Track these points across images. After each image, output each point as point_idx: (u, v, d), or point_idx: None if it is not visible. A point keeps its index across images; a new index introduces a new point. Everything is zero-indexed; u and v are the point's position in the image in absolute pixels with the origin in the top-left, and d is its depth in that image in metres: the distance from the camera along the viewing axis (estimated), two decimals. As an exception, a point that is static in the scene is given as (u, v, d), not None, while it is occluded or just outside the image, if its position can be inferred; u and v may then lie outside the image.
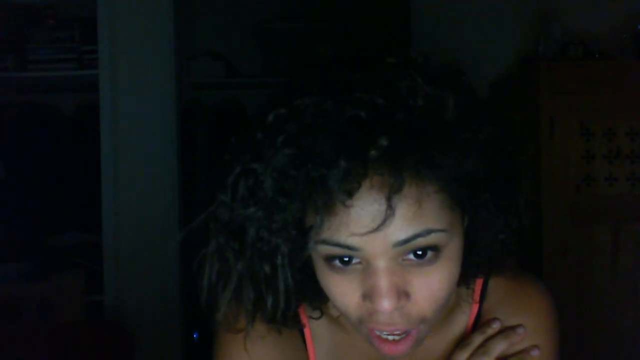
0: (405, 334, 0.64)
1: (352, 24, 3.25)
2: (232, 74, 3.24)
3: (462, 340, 0.76)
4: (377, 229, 0.57)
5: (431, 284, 0.62)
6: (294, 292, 0.64)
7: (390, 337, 0.64)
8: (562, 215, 2.09)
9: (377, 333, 0.64)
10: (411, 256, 0.61)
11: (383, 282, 0.60)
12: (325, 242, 0.60)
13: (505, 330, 0.74)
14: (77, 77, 2.78)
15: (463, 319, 0.77)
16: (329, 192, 0.56)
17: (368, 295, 0.61)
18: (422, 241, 0.59)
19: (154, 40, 2.65)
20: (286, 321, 0.69)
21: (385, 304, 0.60)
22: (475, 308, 0.77)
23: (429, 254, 0.61)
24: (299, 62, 3.13)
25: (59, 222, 3.06)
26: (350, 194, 0.57)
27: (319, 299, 0.72)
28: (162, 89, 2.65)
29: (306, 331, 0.77)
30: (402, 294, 0.61)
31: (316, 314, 0.75)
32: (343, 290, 0.63)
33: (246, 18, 3.36)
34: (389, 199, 0.56)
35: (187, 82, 3.12)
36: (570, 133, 2.10)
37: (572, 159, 2.10)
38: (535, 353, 0.73)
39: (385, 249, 0.59)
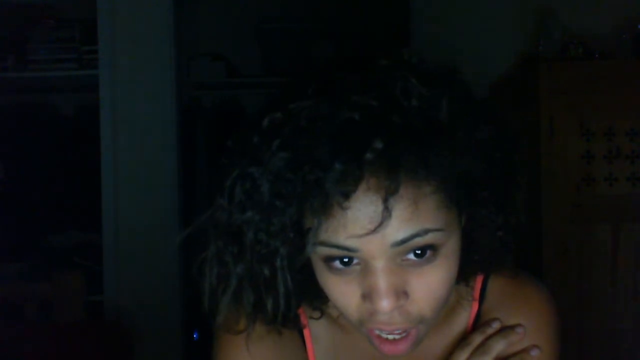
0: (405, 333, 0.64)
1: (352, 24, 3.25)
2: (232, 74, 3.24)
3: (462, 340, 0.76)
4: (374, 230, 0.57)
5: (430, 283, 0.62)
6: (294, 294, 0.64)
7: (390, 337, 0.64)
8: (562, 215, 2.09)
9: (377, 333, 0.64)
10: (409, 256, 0.61)
11: (382, 282, 0.60)
12: (323, 243, 0.60)
13: (504, 330, 0.74)
14: (77, 77, 2.78)
15: (463, 318, 0.78)
16: (325, 195, 0.56)
17: (367, 296, 0.62)
18: (419, 241, 0.59)
19: (154, 40, 2.65)
20: (286, 322, 0.69)
21: (385, 304, 0.60)
22: (475, 306, 0.78)
23: (427, 253, 0.61)
24: (298, 63, 3.13)
25: (59, 222, 3.06)
26: (346, 196, 0.57)
27: (319, 299, 0.73)
28: (162, 89, 2.65)
29: (306, 332, 0.77)
30: (401, 294, 0.61)
31: (316, 314, 0.76)
32: (343, 291, 0.63)
33: (246, 18, 3.36)
34: (385, 201, 0.57)
35: (187, 82, 3.12)
36: (570, 133, 2.10)
37: (572, 159, 2.10)
38: (535, 353, 0.74)
39: (384, 250, 0.59)
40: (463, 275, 0.71)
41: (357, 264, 0.62)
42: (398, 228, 0.58)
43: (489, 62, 2.49)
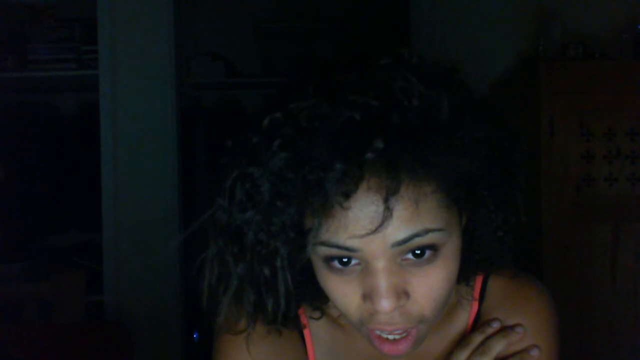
0: (406, 333, 0.64)
1: (352, 24, 3.25)
2: (232, 74, 3.25)
3: (462, 340, 0.76)
4: (375, 230, 0.57)
5: (430, 283, 0.62)
6: (294, 294, 0.64)
7: (391, 337, 0.64)
8: (562, 215, 2.09)
9: (378, 333, 0.64)
10: (410, 256, 0.61)
11: (382, 282, 0.60)
12: (324, 244, 0.60)
13: (504, 330, 0.74)
14: (77, 77, 2.78)
15: (463, 318, 0.78)
16: (326, 195, 0.56)
17: (368, 296, 0.61)
18: (420, 241, 0.59)
19: (154, 40, 2.65)
20: (287, 322, 0.69)
21: (385, 304, 0.60)
22: (475, 306, 0.78)
23: (427, 253, 0.61)
24: (299, 63, 3.14)
25: (59, 222, 3.06)
26: (347, 196, 0.57)
27: (319, 299, 0.73)
28: (162, 89, 2.65)
29: (306, 332, 0.77)
30: (402, 294, 0.61)
31: (316, 314, 0.76)
32: (343, 291, 0.63)
33: (246, 18, 3.37)
34: (386, 201, 0.56)
35: (187, 82, 3.12)
36: (570, 133, 2.10)
37: (572, 159, 2.10)
38: (534, 352, 0.74)
39: (384, 250, 0.59)
40: (463, 275, 0.71)
41: (357, 264, 0.62)
42: (399, 228, 0.58)
43: (489, 62, 2.49)
